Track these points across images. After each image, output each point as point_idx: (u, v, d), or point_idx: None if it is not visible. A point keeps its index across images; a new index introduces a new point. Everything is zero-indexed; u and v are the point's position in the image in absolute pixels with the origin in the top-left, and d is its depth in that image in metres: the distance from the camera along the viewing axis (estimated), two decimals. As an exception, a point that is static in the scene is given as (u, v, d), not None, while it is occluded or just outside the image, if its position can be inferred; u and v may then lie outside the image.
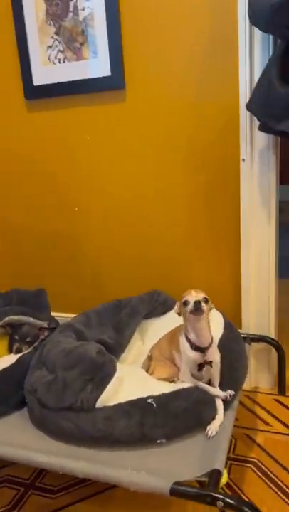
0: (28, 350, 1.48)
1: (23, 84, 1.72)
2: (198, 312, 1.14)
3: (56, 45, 1.64)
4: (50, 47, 1.65)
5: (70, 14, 1.59)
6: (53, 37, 1.63)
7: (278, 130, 1.31)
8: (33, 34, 1.65)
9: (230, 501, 0.91)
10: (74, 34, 1.60)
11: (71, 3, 1.58)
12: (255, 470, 1.30)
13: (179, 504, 1.19)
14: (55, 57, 1.65)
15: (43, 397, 1.18)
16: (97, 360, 1.18)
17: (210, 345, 1.19)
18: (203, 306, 1.14)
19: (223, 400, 1.19)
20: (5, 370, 1.35)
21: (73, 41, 1.61)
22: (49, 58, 1.66)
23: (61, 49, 1.63)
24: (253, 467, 1.31)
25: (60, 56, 1.64)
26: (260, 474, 1.28)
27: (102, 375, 1.16)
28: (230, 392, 1.20)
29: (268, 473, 1.28)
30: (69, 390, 1.15)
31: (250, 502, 1.17)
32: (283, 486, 1.23)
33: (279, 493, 1.21)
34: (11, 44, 1.71)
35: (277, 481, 1.25)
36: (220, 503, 0.91)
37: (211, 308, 1.19)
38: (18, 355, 1.45)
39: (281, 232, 1.66)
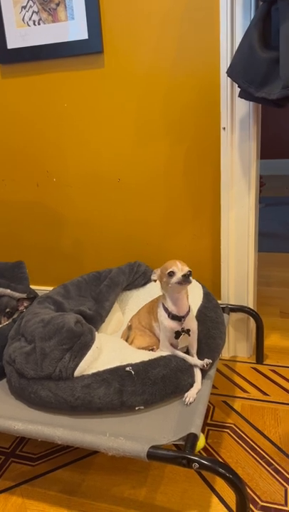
0: (6, 322, 1.47)
1: (-4, 47, 1.65)
2: (186, 283, 1.14)
3: (31, 6, 1.56)
4: (24, 7, 1.57)
5: (45, -28, 1.51)
6: (27, -3, 1.56)
7: (258, 96, 1.29)
8: (5, -7, 1.57)
9: (205, 462, 0.94)
10: (49, -6, 1.53)
11: None
12: (232, 434, 1.33)
13: (157, 468, 1.22)
14: (30, 19, 1.58)
15: (21, 367, 1.18)
16: (76, 330, 1.18)
17: (187, 313, 1.20)
18: (191, 277, 1.14)
19: (200, 369, 1.21)
20: (-17, 341, 1.34)
21: (49, 2, 1.54)
22: (23, 20, 1.59)
23: (36, 10, 1.56)
24: (229, 432, 1.34)
25: (35, 18, 1.57)
26: (236, 438, 1.31)
27: (80, 344, 1.16)
28: (207, 361, 1.21)
29: (244, 437, 1.32)
30: (47, 359, 1.15)
31: (225, 463, 1.20)
32: (258, 448, 1.27)
33: (254, 455, 1.25)
34: (-18, 4, 1.63)
35: (253, 444, 1.29)
36: (195, 465, 0.93)
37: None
38: (-3, 326, 1.44)
39: (259, 208, 1.66)
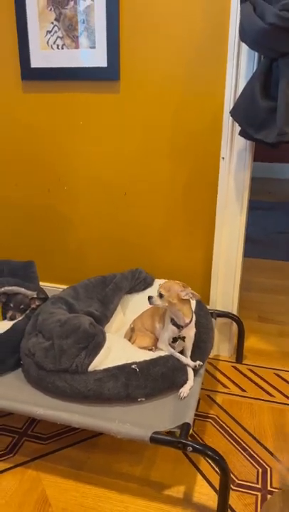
0: (20, 318, 1.65)
1: (20, 65, 1.79)
2: (150, 303, 1.41)
3: (56, 31, 1.71)
4: (49, 32, 1.72)
5: (71, 3, 1.66)
6: (52, 22, 1.70)
7: (256, 138, 1.49)
8: (33, 18, 1.71)
9: (198, 446, 1.16)
10: (73, 23, 1.68)
11: (72, -8, 1.65)
12: (214, 424, 1.56)
13: (151, 449, 1.44)
14: (54, 43, 1.73)
15: (41, 361, 1.37)
16: (90, 331, 1.37)
17: (186, 325, 1.41)
18: (154, 300, 1.39)
19: (192, 368, 1.43)
20: (1, 335, 1.52)
21: (73, 30, 1.69)
22: (48, 43, 1.73)
23: (60, 35, 1.71)
24: (212, 422, 1.58)
25: (59, 42, 1.72)
26: (217, 427, 1.55)
27: (94, 343, 1.36)
28: (198, 362, 1.43)
29: (224, 426, 1.55)
30: (65, 355, 1.34)
31: (213, 448, 1.43)
32: (235, 436, 1.51)
33: (232, 441, 1.49)
34: (11, 26, 1.76)
35: (231, 432, 1.53)
36: (189, 448, 1.16)
37: (191, 297, 1.39)
38: (12, 322, 1.61)
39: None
